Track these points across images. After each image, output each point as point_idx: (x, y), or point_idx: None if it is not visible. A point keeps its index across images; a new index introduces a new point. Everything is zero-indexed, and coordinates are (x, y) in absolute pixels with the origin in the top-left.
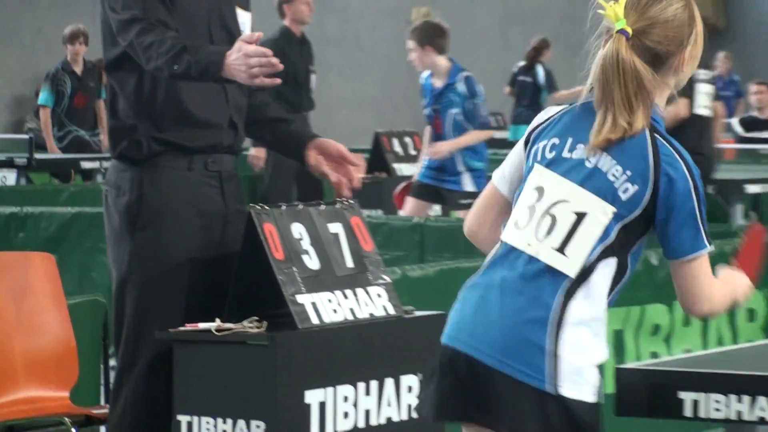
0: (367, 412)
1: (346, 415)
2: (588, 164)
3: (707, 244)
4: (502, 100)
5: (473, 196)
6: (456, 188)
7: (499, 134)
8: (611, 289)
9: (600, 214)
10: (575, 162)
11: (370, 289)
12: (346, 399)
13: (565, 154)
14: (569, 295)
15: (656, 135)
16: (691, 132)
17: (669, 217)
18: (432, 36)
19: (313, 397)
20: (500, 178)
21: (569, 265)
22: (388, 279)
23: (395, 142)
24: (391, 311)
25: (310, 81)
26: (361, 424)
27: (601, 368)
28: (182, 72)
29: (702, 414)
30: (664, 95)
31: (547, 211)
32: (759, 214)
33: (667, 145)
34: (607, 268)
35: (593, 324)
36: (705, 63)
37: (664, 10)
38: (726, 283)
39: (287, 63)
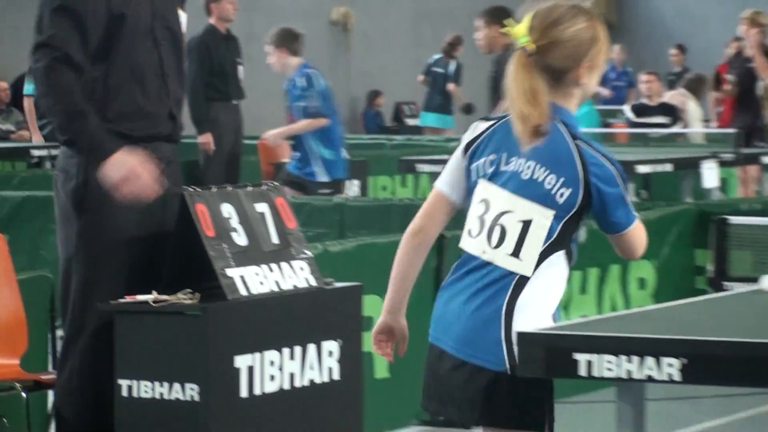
0: (292, 375)
1: (272, 377)
2: (524, 176)
3: (635, 216)
4: (414, 90)
5: (330, 186)
6: (313, 179)
7: (412, 121)
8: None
9: (542, 218)
10: (511, 174)
11: (293, 263)
12: (272, 363)
13: (503, 167)
14: (519, 288)
15: (578, 143)
16: None
17: (604, 205)
18: (284, 39)
19: (242, 361)
20: (443, 183)
21: (524, 266)
22: (310, 254)
23: None
24: (313, 283)
25: (238, 72)
26: (287, 386)
27: None
28: (71, 134)
29: (595, 373)
30: (570, 102)
31: (496, 222)
32: (649, 192)
33: (589, 149)
34: (557, 259)
35: (543, 305)
36: None
37: (565, 31)
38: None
39: (213, 56)
